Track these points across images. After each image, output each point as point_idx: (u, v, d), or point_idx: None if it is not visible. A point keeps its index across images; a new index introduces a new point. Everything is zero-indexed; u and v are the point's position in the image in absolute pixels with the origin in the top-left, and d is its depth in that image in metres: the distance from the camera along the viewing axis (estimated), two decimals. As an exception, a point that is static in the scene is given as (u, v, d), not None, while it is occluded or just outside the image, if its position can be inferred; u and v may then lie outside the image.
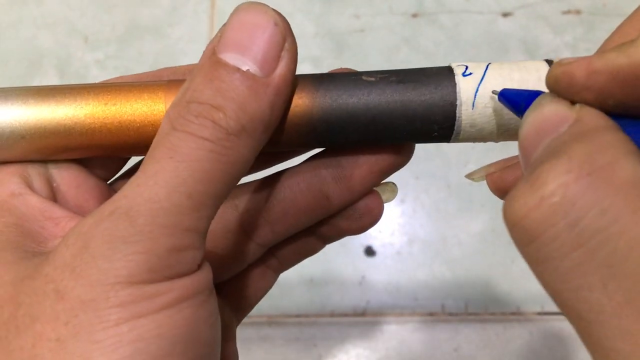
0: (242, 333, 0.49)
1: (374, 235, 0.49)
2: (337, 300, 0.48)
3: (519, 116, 0.16)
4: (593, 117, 0.14)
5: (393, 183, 0.22)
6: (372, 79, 0.18)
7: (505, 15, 0.56)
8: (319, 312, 0.48)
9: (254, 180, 0.22)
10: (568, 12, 0.56)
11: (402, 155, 0.20)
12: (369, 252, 0.49)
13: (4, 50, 0.58)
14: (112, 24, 0.58)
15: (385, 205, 0.21)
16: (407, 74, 0.18)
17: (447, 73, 0.18)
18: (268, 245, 0.22)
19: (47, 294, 0.15)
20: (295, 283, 0.49)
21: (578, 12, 0.56)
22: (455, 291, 0.48)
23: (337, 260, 0.49)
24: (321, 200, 0.20)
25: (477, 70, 0.18)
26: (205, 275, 0.16)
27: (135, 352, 0.14)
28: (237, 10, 0.17)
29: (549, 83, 0.15)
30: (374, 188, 0.21)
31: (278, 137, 0.18)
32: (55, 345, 0.14)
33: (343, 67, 0.20)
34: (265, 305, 0.49)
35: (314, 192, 0.20)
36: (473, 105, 0.17)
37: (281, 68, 0.16)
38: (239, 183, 0.20)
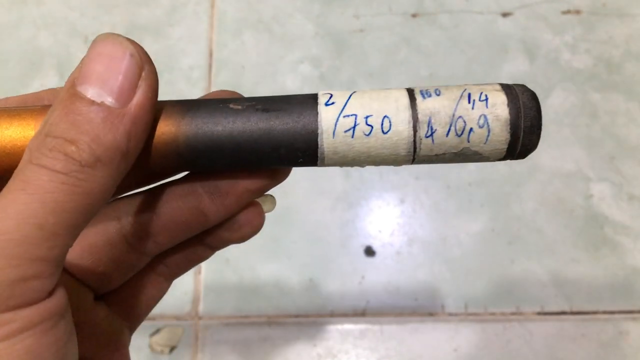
0: (242, 333, 0.49)
1: (374, 235, 0.49)
2: (337, 300, 0.48)
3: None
4: None
5: (272, 195, 0.22)
6: (239, 107, 0.19)
7: (505, 15, 0.56)
8: (318, 312, 0.48)
9: (137, 193, 0.22)
10: (568, 12, 0.56)
11: (277, 177, 0.21)
12: (369, 252, 0.49)
13: (4, 50, 0.58)
14: (112, 24, 0.58)
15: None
16: (273, 103, 0.19)
17: (311, 102, 0.19)
18: (153, 255, 0.22)
19: None
20: (295, 283, 0.49)
21: (578, 12, 0.56)
22: (455, 291, 0.48)
23: (337, 260, 0.49)
24: (198, 216, 0.21)
25: (339, 99, 0.19)
26: (55, 302, 0.16)
27: None
28: (95, 41, 0.17)
29: None
30: (255, 200, 0.22)
31: (145, 162, 0.19)
32: None
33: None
34: (265, 305, 0.49)
35: (191, 209, 0.21)
36: (334, 135, 0.18)
37: (138, 97, 0.17)
38: (122, 196, 0.21)
